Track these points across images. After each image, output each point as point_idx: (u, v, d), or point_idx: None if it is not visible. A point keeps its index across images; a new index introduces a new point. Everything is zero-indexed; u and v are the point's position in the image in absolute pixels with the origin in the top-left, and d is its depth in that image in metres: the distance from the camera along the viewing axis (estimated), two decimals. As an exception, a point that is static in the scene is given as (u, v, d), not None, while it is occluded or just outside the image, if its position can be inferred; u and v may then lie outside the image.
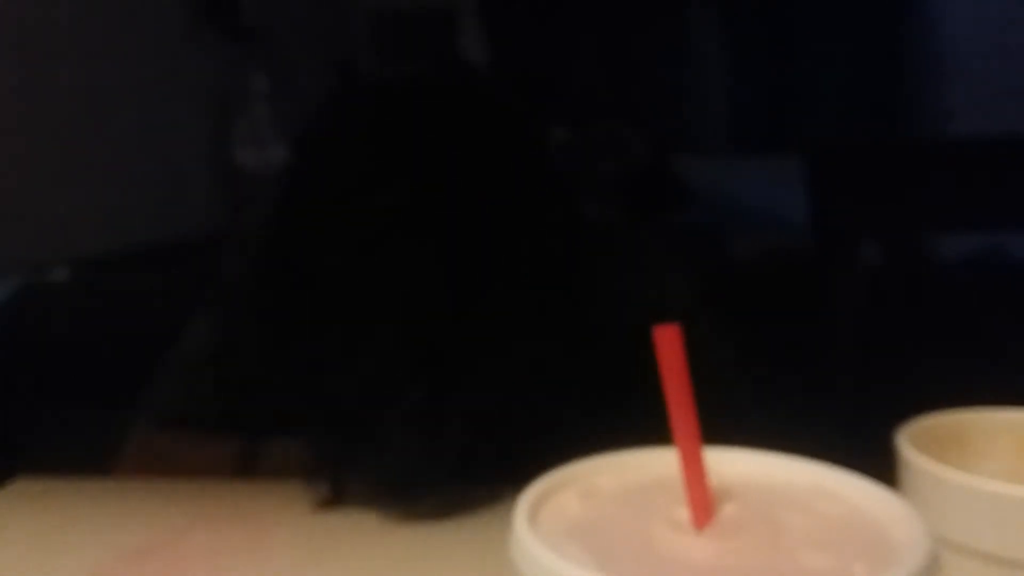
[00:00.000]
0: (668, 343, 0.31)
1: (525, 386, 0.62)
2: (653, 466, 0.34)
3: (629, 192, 0.92)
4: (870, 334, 0.99)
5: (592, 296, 0.72)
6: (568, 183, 0.74)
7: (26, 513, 0.63)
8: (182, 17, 1.11)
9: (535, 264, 0.67)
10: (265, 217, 0.70)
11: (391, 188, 0.63)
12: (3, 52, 0.87)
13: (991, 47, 1.00)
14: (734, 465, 0.34)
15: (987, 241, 1.04)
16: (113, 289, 0.97)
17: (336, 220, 0.64)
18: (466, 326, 0.61)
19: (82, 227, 0.96)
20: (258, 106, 1.16)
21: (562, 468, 0.34)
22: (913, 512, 0.30)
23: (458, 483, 0.60)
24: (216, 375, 0.73)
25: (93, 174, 0.97)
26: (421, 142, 0.64)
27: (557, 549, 0.28)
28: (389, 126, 0.66)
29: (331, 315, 0.62)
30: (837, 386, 0.94)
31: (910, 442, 0.40)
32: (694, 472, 0.31)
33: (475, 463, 0.59)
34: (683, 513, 0.31)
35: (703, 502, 0.31)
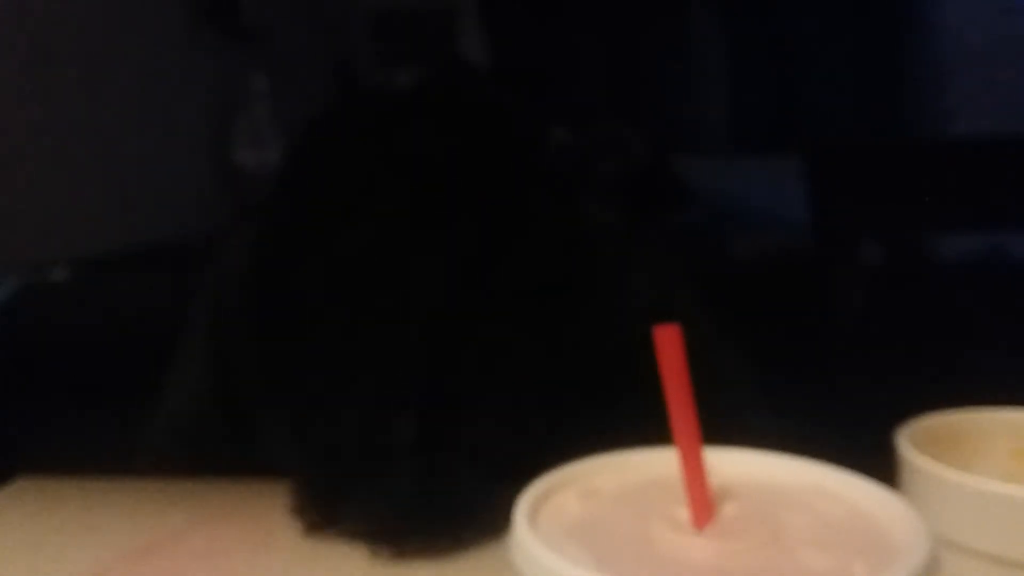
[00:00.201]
0: (668, 343, 0.31)
1: (525, 413, 0.61)
2: (653, 466, 0.34)
3: (629, 192, 0.92)
4: (870, 334, 0.99)
5: (592, 297, 0.72)
6: (568, 184, 0.73)
7: (26, 513, 0.63)
8: (182, 17, 1.11)
9: (535, 277, 0.67)
10: (255, 233, 0.69)
11: (384, 199, 0.62)
12: (3, 52, 0.87)
13: (991, 47, 1.00)
14: (734, 465, 0.34)
15: (987, 241, 1.04)
16: (113, 289, 0.97)
17: (326, 235, 0.63)
18: (465, 349, 0.60)
19: (82, 227, 0.95)
20: (258, 106, 1.16)
21: (562, 468, 0.34)
22: (913, 512, 0.30)
23: (452, 524, 0.58)
24: (207, 419, 0.71)
25: (93, 174, 0.97)
26: (417, 149, 0.64)
27: (557, 549, 0.29)
28: (384, 133, 0.66)
29: (322, 337, 0.61)
30: (837, 386, 0.94)
31: (910, 442, 0.40)
32: (694, 472, 0.31)
33: (472, 502, 0.58)
34: (683, 513, 0.31)
35: (703, 502, 0.31)
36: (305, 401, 0.61)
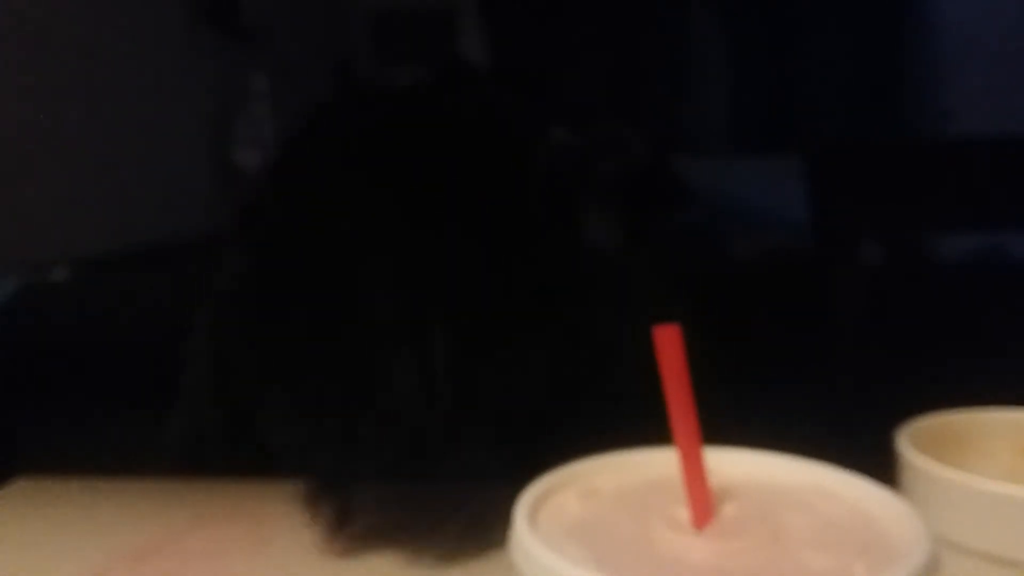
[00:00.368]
0: (668, 343, 0.31)
1: (525, 388, 0.61)
2: (653, 466, 0.34)
3: (629, 192, 0.92)
4: (870, 334, 0.99)
5: (592, 297, 0.72)
6: (567, 184, 0.73)
7: (26, 513, 0.63)
8: (182, 17, 1.11)
9: (533, 273, 0.67)
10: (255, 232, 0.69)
11: (381, 198, 0.62)
12: (3, 52, 0.87)
13: (991, 47, 1.00)
14: (734, 465, 0.34)
15: (987, 241, 1.04)
16: (113, 289, 0.97)
17: (324, 233, 0.63)
18: (464, 330, 0.60)
19: (82, 227, 0.96)
20: (258, 106, 1.16)
21: (562, 468, 0.34)
22: (913, 512, 0.30)
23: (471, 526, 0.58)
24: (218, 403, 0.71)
25: (93, 174, 0.97)
26: (414, 148, 0.64)
27: (557, 549, 0.29)
28: (383, 132, 0.65)
29: (324, 316, 0.61)
30: (837, 386, 0.94)
31: (910, 442, 0.40)
32: (694, 472, 0.31)
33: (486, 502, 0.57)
34: (683, 513, 0.31)
35: (703, 502, 0.31)
36: (314, 398, 0.61)
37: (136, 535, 0.58)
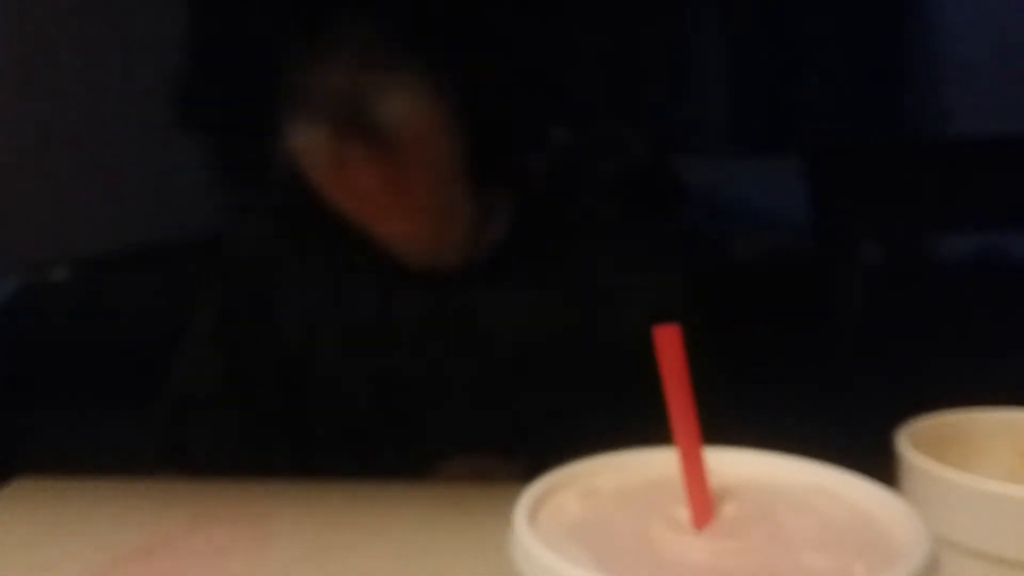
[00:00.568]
0: (668, 343, 0.31)
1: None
2: (653, 466, 0.34)
3: (629, 192, 0.92)
4: (870, 334, 0.99)
5: (592, 296, 0.72)
6: (568, 183, 0.73)
7: (26, 513, 0.63)
8: (182, 17, 1.11)
9: (534, 276, 0.67)
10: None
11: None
12: (3, 52, 0.87)
13: (991, 47, 1.00)
14: (734, 465, 0.34)
15: (987, 241, 1.04)
16: (113, 289, 0.97)
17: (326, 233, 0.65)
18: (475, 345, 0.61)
19: (82, 227, 0.96)
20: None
21: (562, 468, 0.34)
22: (913, 512, 0.30)
23: None
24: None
25: (93, 174, 0.97)
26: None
27: (557, 549, 0.28)
28: None
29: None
30: (837, 386, 0.94)
31: (910, 442, 0.40)
32: (694, 472, 0.31)
33: None
34: (683, 513, 0.31)
35: (703, 502, 0.31)
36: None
37: (136, 535, 0.58)
